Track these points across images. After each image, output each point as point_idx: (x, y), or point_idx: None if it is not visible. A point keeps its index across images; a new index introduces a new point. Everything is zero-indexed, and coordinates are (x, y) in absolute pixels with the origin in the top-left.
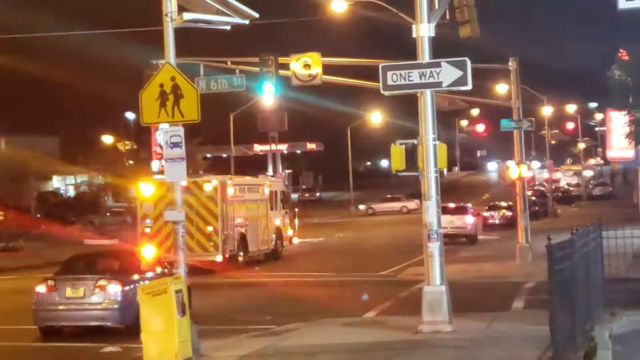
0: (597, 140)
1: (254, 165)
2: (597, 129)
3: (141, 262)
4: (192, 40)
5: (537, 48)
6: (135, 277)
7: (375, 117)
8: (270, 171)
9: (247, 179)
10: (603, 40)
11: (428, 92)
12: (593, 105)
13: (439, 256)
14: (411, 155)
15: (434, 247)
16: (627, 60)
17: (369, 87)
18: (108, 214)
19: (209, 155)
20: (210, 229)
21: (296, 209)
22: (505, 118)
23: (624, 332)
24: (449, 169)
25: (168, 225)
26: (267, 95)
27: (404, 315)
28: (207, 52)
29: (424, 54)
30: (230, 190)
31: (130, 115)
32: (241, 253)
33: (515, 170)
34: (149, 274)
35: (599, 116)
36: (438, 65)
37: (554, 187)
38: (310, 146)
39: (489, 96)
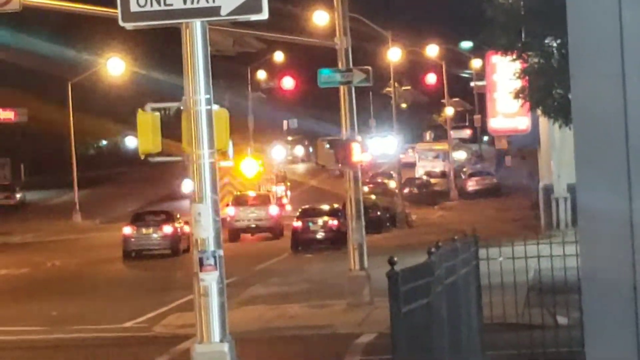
0: (474, 103)
1: None
2: (473, 83)
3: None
4: None
5: None
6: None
7: (114, 67)
8: None
9: None
10: None
11: (198, 25)
12: (466, 46)
13: (219, 295)
14: (172, 129)
15: (211, 280)
16: None
17: (101, 17)
18: None
19: None
20: None
21: None
22: (327, 67)
23: None
24: (238, 150)
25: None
26: None
27: None
28: None
29: None
30: None
31: None
32: None
33: (343, 152)
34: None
35: (475, 64)
36: None
37: (405, 179)
38: (5, 115)
39: (302, 32)
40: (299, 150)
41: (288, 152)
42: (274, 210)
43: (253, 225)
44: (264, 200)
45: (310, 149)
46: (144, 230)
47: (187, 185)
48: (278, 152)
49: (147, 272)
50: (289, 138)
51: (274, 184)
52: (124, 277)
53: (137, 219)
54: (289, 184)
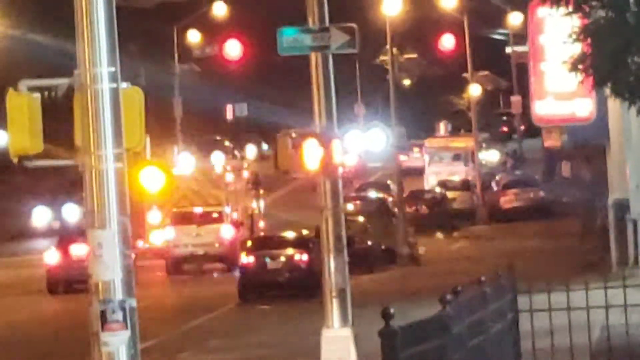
0: (512, 77)
1: None
2: (509, 49)
3: None
4: None
5: None
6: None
7: None
8: None
9: None
10: None
11: None
12: None
13: None
14: (56, 119)
15: (118, 344)
16: None
17: None
18: None
19: None
20: None
21: None
22: (291, 26)
23: None
24: (158, 152)
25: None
26: None
27: None
28: None
29: None
30: None
31: None
32: None
33: (316, 152)
34: None
35: (513, 19)
36: None
37: (409, 192)
38: None
39: None
40: (217, 160)
41: (198, 162)
42: (226, 231)
43: (200, 253)
44: (214, 217)
45: (237, 153)
46: (75, 257)
47: (39, 217)
48: (185, 162)
49: (54, 322)
50: (221, 137)
51: (253, 197)
52: (16, 332)
53: (67, 241)
54: (262, 191)
